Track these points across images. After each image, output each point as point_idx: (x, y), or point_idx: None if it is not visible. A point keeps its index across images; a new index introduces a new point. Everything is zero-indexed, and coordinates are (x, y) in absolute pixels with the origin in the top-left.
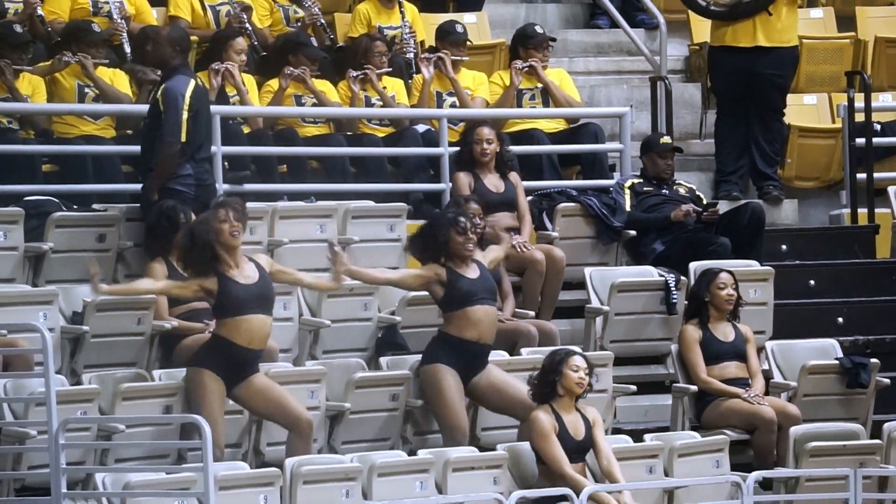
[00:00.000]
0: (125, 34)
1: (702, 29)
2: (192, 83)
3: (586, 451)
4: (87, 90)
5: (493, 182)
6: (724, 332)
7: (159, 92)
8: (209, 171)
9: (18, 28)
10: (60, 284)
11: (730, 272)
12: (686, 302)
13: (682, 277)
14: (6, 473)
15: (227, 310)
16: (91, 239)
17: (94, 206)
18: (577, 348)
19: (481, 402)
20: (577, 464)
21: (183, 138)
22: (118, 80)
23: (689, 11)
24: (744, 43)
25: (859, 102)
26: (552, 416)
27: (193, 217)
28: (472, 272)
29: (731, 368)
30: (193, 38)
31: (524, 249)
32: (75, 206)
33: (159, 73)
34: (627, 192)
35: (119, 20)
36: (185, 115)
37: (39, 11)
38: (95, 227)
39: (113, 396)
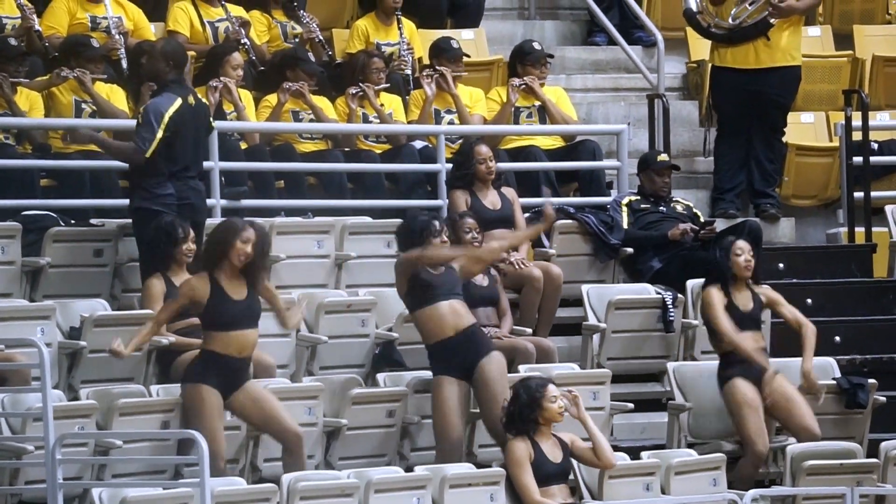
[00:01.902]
0: (123, 50)
1: (700, 46)
2: (178, 102)
3: (566, 474)
4: (84, 105)
5: (490, 199)
6: (744, 301)
7: (142, 108)
8: (196, 189)
9: (13, 42)
10: (58, 299)
11: (746, 240)
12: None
13: (680, 295)
14: (3, 489)
15: (217, 325)
16: (88, 254)
17: (92, 220)
18: (543, 375)
19: (480, 397)
20: (558, 485)
21: (149, 153)
22: (115, 95)
23: (687, 29)
24: (746, 63)
25: (857, 121)
26: (528, 445)
27: (192, 233)
28: (438, 269)
29: (749, 340)
30: (191, 53)
31: (522, 266)
32: (73, 221)
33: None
34: (625, 209)
35: (117, 35)
36: (159, 134)
37: (37, 26)
38: (93, 242)
39: (110, 412)
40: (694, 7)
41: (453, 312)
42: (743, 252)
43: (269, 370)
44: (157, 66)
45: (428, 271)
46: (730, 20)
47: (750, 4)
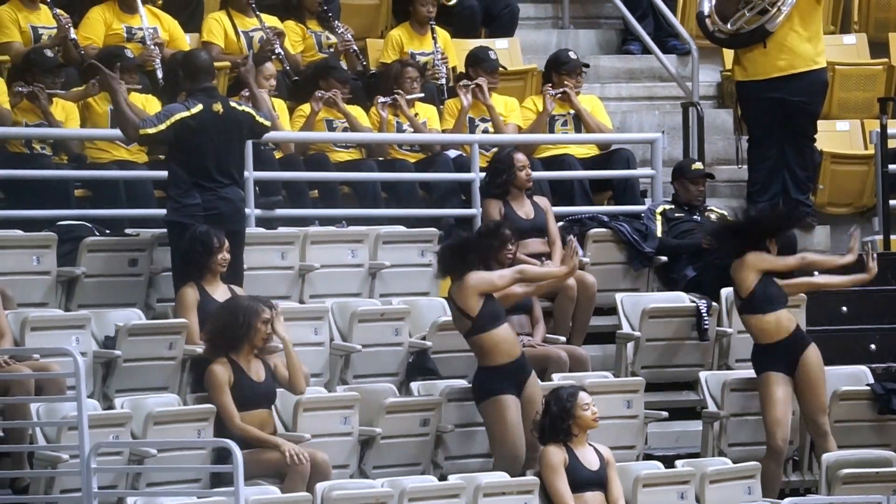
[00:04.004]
0: (158, 60)
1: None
2: (198, 108)
3: (602, 482)
4: None
5: (523, 209)
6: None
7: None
8: (226, 199)
9: (49, 53)
10: (93, 309)
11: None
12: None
13: (714, 303)
14: (38, 497)
15: (237, 404)
16: (123, 263)
17: (127, 230)
18: (574, 383)
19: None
20: (594, 492)
21: (143, 131)
22: (150, 105)
23: None
24: (766, 73)
25: (892, 129)
26: (563, 451)
27: (227, 242)
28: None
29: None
30: (225, 63)
31: None
32: (108, 231)
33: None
34: (659, 217)
35: (152, 46)
36: (161, 127)
37: (73, 35)
38: (127, 252)
39: (145, 421)
40: (706, 10)
41: (512, 336)
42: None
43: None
44: (176, 77)
45: (493, 300)
46: (729, 25)
47: (748, 11)
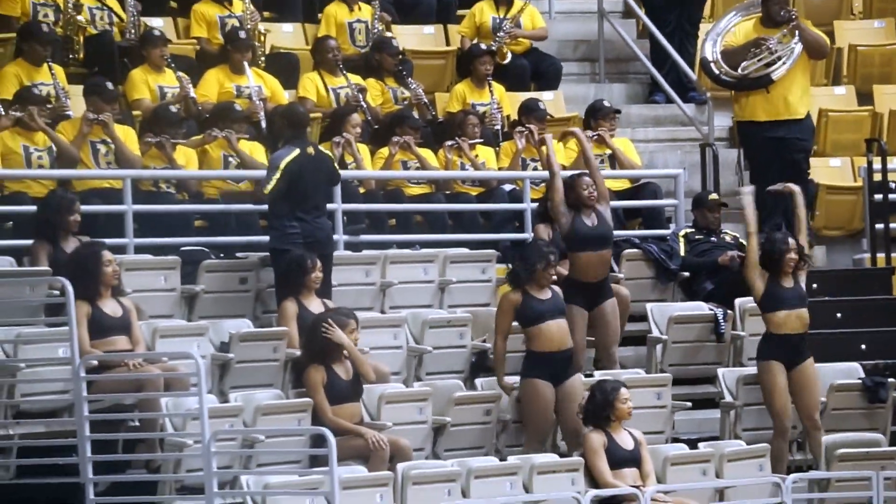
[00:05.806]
0: (262, 113)
1: None
2: (296, 152)
3: (637, 460)
4: (230, 159)
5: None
6: (787, 282)
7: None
8: (322, 228)
9: (173, 108)
10: (210, 319)
11: (793, 238)
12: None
13: (729, 311)
14: (168, 476)
15: (330, 399)
16: (235, 281)
17: (237, 254)
18: (619, 379)
19: (562, 406)
20: (630, 468)
21: (266, 190)
22: (256, 151)
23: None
24: (767, 116)
25: (877, 165)
26: (603, 435)
27: (319, 263)
28: (545, 294)
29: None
30: (317, 114)
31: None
32: (222, 255)
33: None
34: (682, 240)
35: (257, 101)
36: (276, 176)
37: (192, 94)
38: (238, 272)
39: (254, 412)
40: (709, 57)
41: (560, 332)
42: (791, 250)
43: (384, 377)
44: (277, 125)
45: (535, 297)
46: (739, 70)
47: (758, 60)
